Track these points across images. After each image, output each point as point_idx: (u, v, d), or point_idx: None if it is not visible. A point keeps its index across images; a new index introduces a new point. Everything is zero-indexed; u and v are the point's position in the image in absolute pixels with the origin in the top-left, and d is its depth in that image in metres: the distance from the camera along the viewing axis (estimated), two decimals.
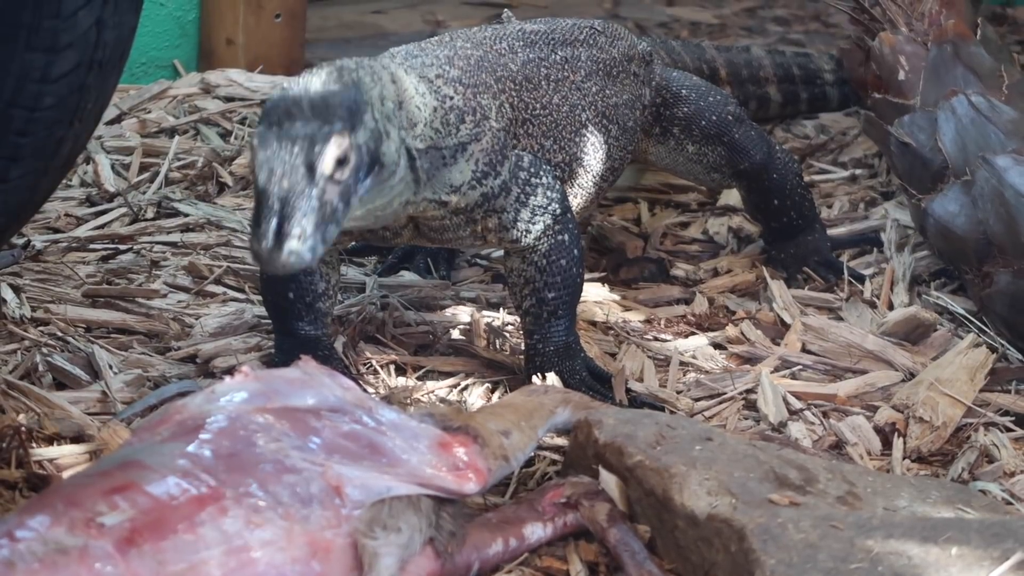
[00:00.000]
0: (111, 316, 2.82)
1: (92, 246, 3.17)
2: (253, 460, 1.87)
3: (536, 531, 2.09)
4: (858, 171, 3.71)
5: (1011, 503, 2.29)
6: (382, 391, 2.61)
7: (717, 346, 2.83)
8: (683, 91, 3.05)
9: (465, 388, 2.64)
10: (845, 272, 3.09)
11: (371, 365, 2.70)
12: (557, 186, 2.59)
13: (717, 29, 5.23)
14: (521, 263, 2.60)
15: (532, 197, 2.55)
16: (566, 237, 2.58)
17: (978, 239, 2.86)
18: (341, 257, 2.78)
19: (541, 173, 2.57)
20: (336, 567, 1.84)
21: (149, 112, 3.89)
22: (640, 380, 2.67)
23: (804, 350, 2.81)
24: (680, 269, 3.17)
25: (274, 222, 2.10)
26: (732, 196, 3.43)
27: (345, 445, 1.95)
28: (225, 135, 3.81)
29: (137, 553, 1.71)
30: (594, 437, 2.19)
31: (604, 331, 2.87)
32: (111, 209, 3.36)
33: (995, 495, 2.29)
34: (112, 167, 3.54)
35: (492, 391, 2.64)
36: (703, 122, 3.05)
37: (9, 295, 2.84)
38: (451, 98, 2.47)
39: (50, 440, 2.37)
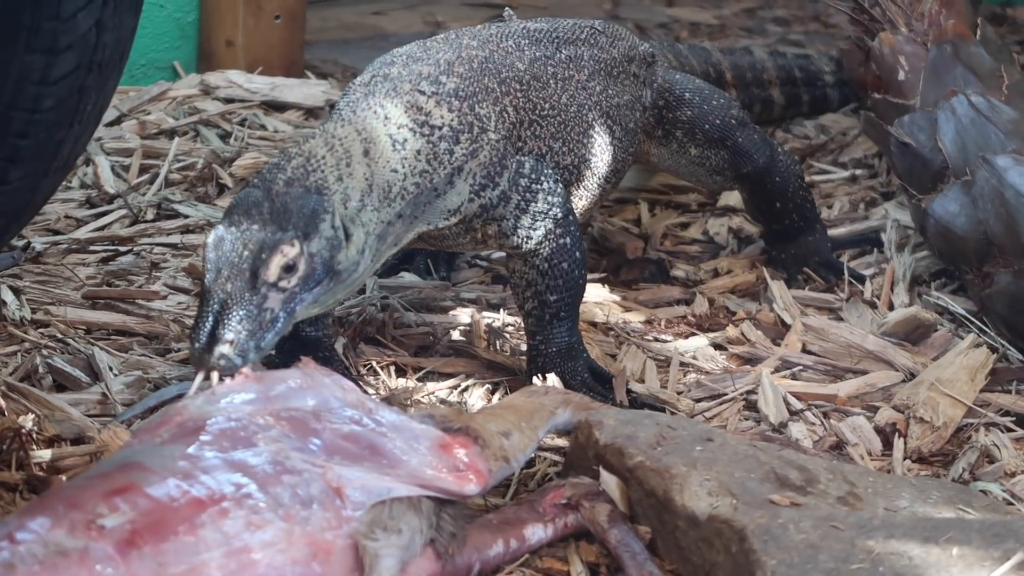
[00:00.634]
0: (111, 318, 2.81)
1: (92, 248, 3.17)
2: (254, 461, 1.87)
3: (537, 532, 2.09)
4: (858, 171, 3.71)
5: (1012, 503, 2.29)
6: (382, 392, 2.61)
7: (717, 347, 2.83)
8: (686, 94, 3.05)
9: (465, 389, 2.64)
10: (845, 272, 3.09)
11: (371, 366, 2.69)
12: (559, 190, 2.58)
13: (717, 30, 5.23)
14: (523, 266, 2.60)
15: (533, 203, 2.55)
16: (568, 240, 2.58)
17: (978, 239, 2.86)
18: None
19: (542, 179, 2.57)
20: (337, 568, 1.84)
21: (149, 114, 3.89)
22: (641, 381, 2.67)
23: (804, 351, 2.81)
24: (680, 270, 3.17)
25: (209, 324, 2.14)
26: (732, 197, 3.43)
27: (346, 446, 1.95)
28: (225, 136, 3.81)
29: (137, 555, 1.71)
30: (595, 438, 2.19)
31: (605, 332, 2.87)
32: (111, 211, 3.36)
33: (996, 495, 2.29)
34: (112, 169, 3.54)
35: (492, 392, 2.64)
36: (706, 126, 3.04)
37: (9, 297, 2.84)
38: (440, 127, 2.46)
39: (50, 442, 2.36)
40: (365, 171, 2.34)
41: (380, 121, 2.41)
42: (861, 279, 3.08)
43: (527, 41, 2.77)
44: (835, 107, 4.09)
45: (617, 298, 3.02)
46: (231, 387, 2.03)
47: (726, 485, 2.04)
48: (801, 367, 2.76)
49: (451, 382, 2.66)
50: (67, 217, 3.32)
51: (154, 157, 3.63)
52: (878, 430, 2.53)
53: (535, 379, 2.58)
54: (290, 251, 2.18)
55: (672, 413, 2.53)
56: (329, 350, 2.62)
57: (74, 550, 1.69)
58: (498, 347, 2.78)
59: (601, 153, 2.79)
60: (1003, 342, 2.80)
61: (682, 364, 2.75)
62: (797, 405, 2.60)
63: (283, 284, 2.19)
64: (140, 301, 2.89)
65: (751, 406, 2.61)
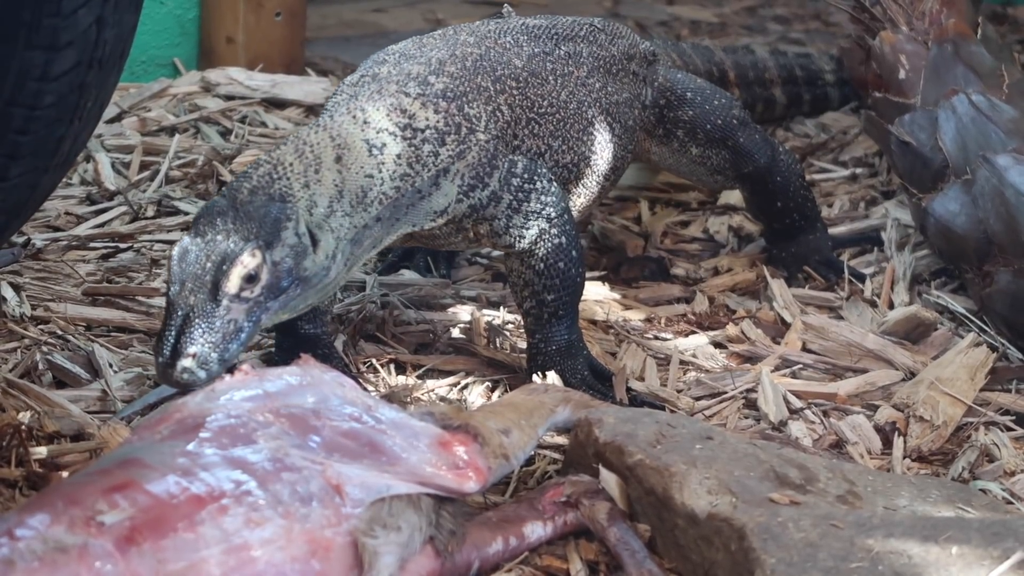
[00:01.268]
0: (111, 314, 2.81)
1: (92, 244, 3.17)
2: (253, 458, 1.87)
3: (536, 530, 2.09)
4: (859, 170, 3.71)
5: (1011, 502, 2.29)
6: (382, 390, 2.61)
7: (717, 345, 2.83)
8: (688, 94, 3.04)
9: (465, 387, 2.64)
10: (846, 271, 3.09)
11: (371, 364, 2.69)
12: (553, 189, 2.58)
13: (717, 28, 5.23)
14: (520, 265, 2.60)
15: (525, 203, 2.55)
16: (563, 240, 2.58)
17: (978, 238, 2.86)
18: None
19: (535, 178, 2.56)
20: (336, 566, 1.84)
21: (149, 110, 3.89)
22: (641, 379, 2.67)
23: (804, 349, 2.81)
24: (680, 268, 3.17)
25: (172, 337, 2.16)
26: (732, 195, 3.43)
27: (345, 444, 1.95)
28: (225, 133, 3.81)
29: (137, 552, 1.71)
30: (594, 436, 2.19)
31: (604, 330, 2.87)
32: (111, 207, 3.36)
33: (995, 494, 2.28)
34: (112, 165, 3.54)
35: (492, 390, 2.64)
36: (708, 126, 3.04)
37: (9, 293, 2.84)
38: (423, 130, 2.45)
39: (50, 439, 2.36)
40: (335, 177, 2.33)
41: (358, 126, 2.41)
42: (861, 278, 3.08)
43: (526, 37, 2.77)
44: (836, 106, 4.09)
45: (617, 296, 3.02)
46: (231, 384, 2.03)
47: (726, 483, 2.04)
48: (801, 365, 2.76)
49: (451, 379, 2.66)
50: (67, 214, 3.32)
51: (154, 154, 3.63)
52: (878, 429, 2.53)
53: (535, 377, 2.58)
54: (251, 262, 2.19)
55: (672, 411, 2.53)
56: (328, 347, 2.62)
57: (73, 546, 1.69)
58: (498, 345, 2.78)
59: (601, 151, 2.79)
60: (1003, 341, 2.80)
61: (682, 362, 2.75)
62: (797, 403, 2.60)
63: (245, 295, 2.20)
64: (140, 298, 2.88)
65: (751, 404, 2.61)
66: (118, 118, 3.84)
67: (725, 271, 3.16)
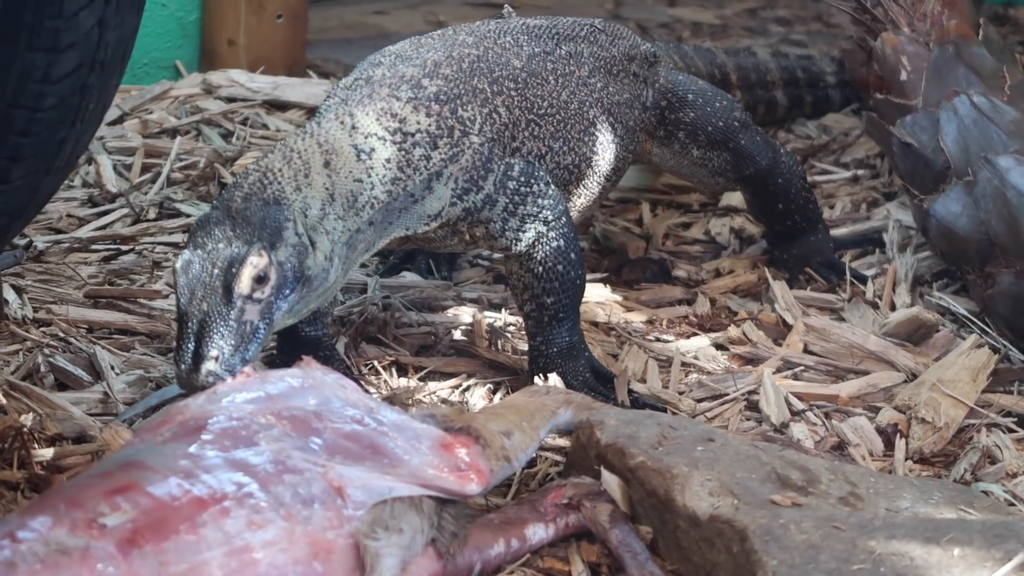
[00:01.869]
0: (113, 317, 2.81)
1: (94, 247, 3.17)
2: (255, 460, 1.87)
3: (538, 532, 2.09)
4: (860, 171, 3.71)
5: (1014, 504, 2.29)
6: (384, 392, 2.61)
7: (719, 347, 2.83)
8: (689, 95, 3.04)
9: (467, 389, 2.64)
10: (847, 273, 3.09)
11: (373, 366, 2.69)
12: (550, 192, 2.57)
13: (719, 30, 5.23)
14: (519, 269, 2.60)
15: (521, 206, 2.54)
16: (562, 243, 2.57)
17: (980, 240, 2.86)
18: None
19: (532, 181, 2.56)
20: (338, 568, 1.84)
21: (151, 113, 3.89)
22: (642, 381, 2.67)
23: (806, 351, 2.81)
24: (682, 270, 3.17)
25: (192, 345, 2.16)
26: (734, 197, 3.43)
27: (347, 446, 1.95)
28: (227, 136, 3.81)
29: (139, 554, 1.71)
30: (596, 438, 2.19)
31: (606, 332, 2.87)
32: (113, 210, 3.36)
33: (997, 496, 2.28)
34: (114, 168, 3.54)
35: (494, 392, 2.64)
36: (709, 128, 3.04)
37: (11, 296, 2.84)
38: (414, 134, 2.45)
39: (52, 441, 2.37)
40: (325, 181, 2.34)
41: (345, 132, 2.41)
42: (863, 279, 3.08)
43: (526, 37, 2.76)
44: (837, 108, 4.08)
45: (619, 298, 3.02)
46: (233, 386, 2.03)
47: (727, 485, 2.04)
48: (803, 367, 2.75)
49: (452, 382, 2.66)
50: (69, 216, 3.32)
51: (156, 156, 3.63)
52: (880, 430, 2.53)
53: (537, 379, 2.58)
54: (259, 261, 2.20)
55: (674, 413, 2.53)
56: (329, 349, 2.62)
57: (75, 549, 1.69)
58: (500, 347, 2.78)
59: (602, 151, 2.79)
60: (1005, 343, 2.80)
61: (684, 364, 2.75)
62: (799, 405, 2.60)
63: (257, 295, 2.20)
64: (142, 300, 2.89)
65: (753, 406, 2.61)
66: (120, 120, 3.84)
67: (727, 273, 3.16)
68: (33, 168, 2.54)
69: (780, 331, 2.89)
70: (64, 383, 2.59)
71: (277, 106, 4.01)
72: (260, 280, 2.20)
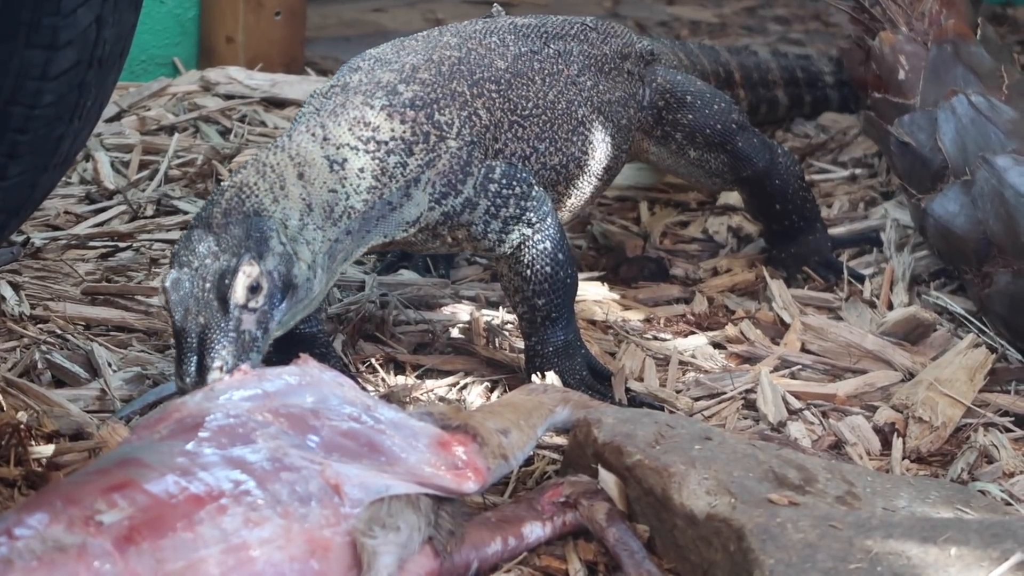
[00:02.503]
0: (110, 314, 2.81)
1: (91, 244, 3.17)
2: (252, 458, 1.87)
3: (535, 530, 2.09)
4: (858, 171, 3.71)
5: (1010, 503, 2.29)
6: (381, 389, 2.60)
7: (716, 345, 2.83)
8: (688, 97, 3.03)
9: (464, 387, 2.64)
10: (845, 272, 3.09)
11: (370, 363, 2.69)
12: (533, 193, 2.56)
13: (717, 28, 5.23)
14: (508, 271, 2.60)
15: (503, 208, 2.53)
16: (548, 244, 2.57)
17: (978, 239, 2.86)
18: None
19: (514, 183, 2.55)
20: (335, 566, 1.84)
21: (149, 110, 3.89)
22: (640, 379, 2.67)
23: (803, 350, 2.81)
24: (680, 268, 3.17)
25: (195, 358, 2.17)
26: (732, 196, 3.43)
27: (344, 443, 1.95)
28: (225, 133, 3.81)
29: (136, 551, 1.71)
30: (593, 436, 2.19)
31: (604, 330, 2.87)
32: (111, 207, 3.36)
33: (994, 495, 2.28)
34: (112, 165, 3.54)
35: (491, 390, 2.64)
36: (707, 131, 3.03)
37: (8, 292, 2.83)
38: (387, 142, 2.43)
39: (49, 438, 2.36)
40: (301, 192, 2.33)
41: (317, 143, 2.39)
42: (860, 278, 3.08)
43: (513, 37, 2.74)
44: (835, 108, 4.08)
45: (616, 296, 3.02)
46: (230, 384, 2.03)
47: (724, 484, 2.04)
48: (800, 366, 2.75)
49: (450, 379, 2.66)
50: (67, 213, 3.32)
51: (154, 153, 3.63)
52: (877, 430, 2.53)
53: (534, 377, 2.58)
54: (252, 271, 2.20)
55: (671, 412, 2.53)
56: (325, 346, 2.62)
57: (72, 546, 1.69)
58: (497, 344, 2.78)
59: (592, 151, 2.78)
60: (1002, 342, 2.80)
61: (681, 363, 2.75)
62: (796, 404, 2.60)
63: (252, 305, 2.21)
64: (139, 297, 2.88)
65: (750, 405, 2.61)
66: (117, 117, 3.84)
67: (724, 271, 3.16)
68: (31, 165, 2.54)
69: (778, 330, 2.89)
70: (61, 380, 2.59)
71: (275, 103, 4.01)
72: (254, 289, 2.21)
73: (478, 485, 2.04)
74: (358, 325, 2.80)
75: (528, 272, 2.57)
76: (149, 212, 3.33)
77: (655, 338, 2.85)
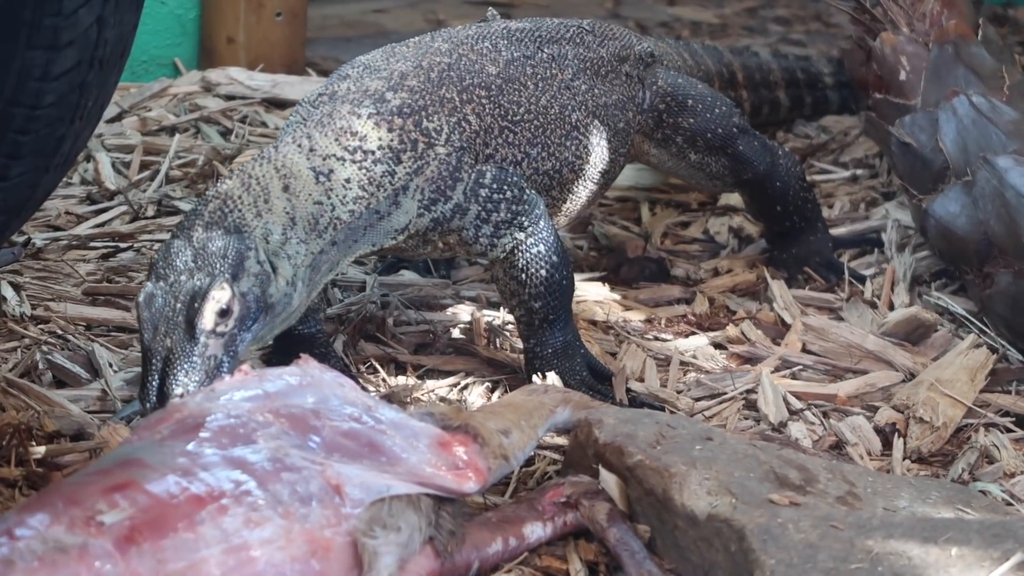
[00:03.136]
0: (111, 314, 2.81)
1: (92, 244, 3.17)
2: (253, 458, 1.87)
3: (536, 530, 2.09)
4: (859, 171, 3.71)
5: (1011, 504, 2.29)
6: (382, 390, 2.60)
7: (717, 346, 2.83)
8: (689, 101, 3.02)
9: (465, 387, 2.64)
10: (846, 272, 3.09)
11: (371, 364, 2.69)
12: (525, 197, 2.56)
13: (718, 29, 5.23)
14: (503, 275, 2.60)
15: (495, 213, 2.53)
16: (542, 248, 2.56)
17: (979, 240, 2.86)
18: None
19: (505, 188, 2.54)
20: (336, 566, 1.84)
21: (150, 110, 3.89)
22: (640, 380, 2.67)
23: (804, 350, 2.81)
24: (681, 269, 3.17)
25: (156, 382, 2.17)
26: (733, 196, 3.43)
27: (345, 444, 1.95)
28: (226, 133, 3.81)
29: (137, 551, 1.71)
30: (594, 437, 2.19)
31: (604, 330, 2.87)
32: (112, 207, 3.36)
33: (995, 496, 2.29)
34: (113, 165, 3.54)
35: (492, 390, 2.64)
36: (708, 134, 3.02)
37: (9, 293, 2.84)
38: (374, 151, 2.42)
39: (50, 438, 2.36)
40: (285, 205, 2.32)
41: (303, 154, 2.39)
42: (861, 279, 3.08)
43: (506, 42, 2.73)
44: (835, 109, 4.08)
45: (617, 297, 3.02)
46: (231, 384, 2.03)
47: (725, 484, 2.04)
48: (801, 367, 2.75)
49: (451, 380, 2.66)
50: (68, 213, 3.32)
51: (155, 154, 3.63)
52: (878, 430, 2.53)
53: (535, 377, 2.58)
54: (222, 296, 2.20)
55: (672, 412, 2.53)
56: (325, 346, 2.62)
57: (73, 546, 1.69)
58: (498, 345, 2.78)
59: (587, 155, 2.77)
60: (1003, 343, 2.80)
61: (682, 363, 2.75)
62: (797, 405, 2.60)
63: (221, 329, 2.21)
64: None
65: (751, 405, 2.61)
66: (118, 118, 3.84)
67: (725, 272, 3.16)
68: (32, 165, 2.54)
69: (778, 330, 2.89)
70: (62, 380, 2.59)
71: (276, 104, 4.01)
72: (223, 314, 2.20)
73: (479, 485, 2.04)
74: (359, 325, 2.80)
75: (523, 276, 2.57)
76: (150, 213, 3.33)
77: (656, 338, 2.85)
